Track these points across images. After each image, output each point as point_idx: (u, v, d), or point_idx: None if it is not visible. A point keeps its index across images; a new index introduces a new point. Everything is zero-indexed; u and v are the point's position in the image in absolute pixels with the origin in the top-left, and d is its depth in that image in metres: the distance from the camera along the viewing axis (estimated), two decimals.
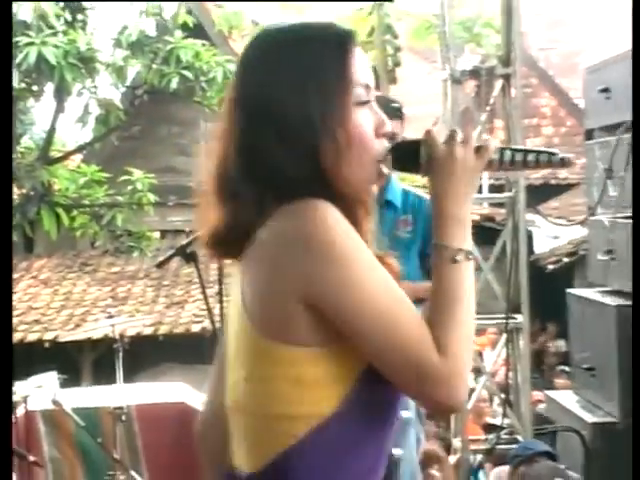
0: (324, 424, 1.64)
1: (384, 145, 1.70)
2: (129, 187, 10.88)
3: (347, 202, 1.65)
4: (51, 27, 9.25)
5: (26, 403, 5.43)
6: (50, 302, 14.56)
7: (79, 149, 12.06)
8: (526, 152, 1.73)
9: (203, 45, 10.09)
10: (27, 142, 12.50)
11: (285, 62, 1.67)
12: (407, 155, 1.70)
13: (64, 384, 5.94)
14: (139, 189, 10.85)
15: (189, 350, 13.04)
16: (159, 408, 5.66)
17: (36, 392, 5.35)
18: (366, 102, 1.68)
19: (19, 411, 5.49)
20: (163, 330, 12.89)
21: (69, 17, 9.67)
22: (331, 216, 1.60)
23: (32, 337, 13.45)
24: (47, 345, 13.16)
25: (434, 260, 1.68)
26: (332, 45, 1.68)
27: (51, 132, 11.06)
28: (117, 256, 14.64)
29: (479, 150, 1.69)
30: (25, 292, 15.00)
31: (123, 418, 5.28)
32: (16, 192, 11.07)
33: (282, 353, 1.63)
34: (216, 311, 4.42)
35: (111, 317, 5.84)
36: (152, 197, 11.01)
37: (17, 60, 9.15)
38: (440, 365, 1.59)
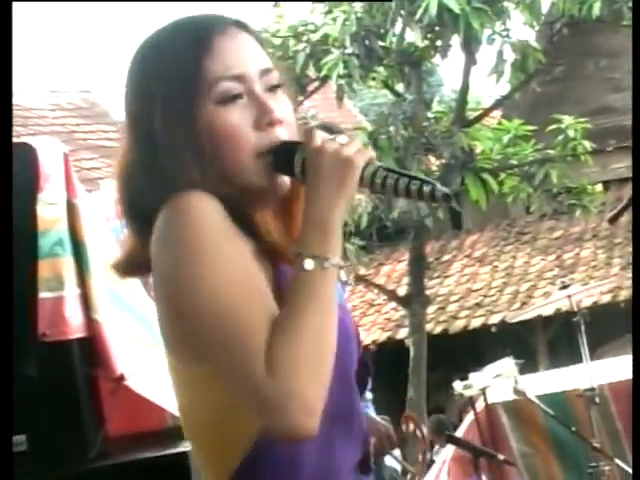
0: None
1: (272, 136, 1.71)
2: (560, 137, 10.80)
3: (231, 198, 1.68)
4: None
5: (485, 396, 5.56)
6: (490, 281, 14.87)
7: (497, 104, 12.19)
8: (399, 177, 1.69)
9: None
10: (437, 106, 12.79)
11: (142, 73, 1.76)
12: (284, 157, 1.72)
13: (521, 370, 6.02)
14: (572, 137, 10.74)
15: None
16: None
17: (494, 382, 5.45)
18: (236, 96, 1.71)
19: (478, 405, 5.64)
20: (623, 295, 12.75)
21: None
22: (190, 211, 1.64)
23: (476, 323, 13.82)
24: (494, 329, 13.44)
25: None
26: (185, 46, 1.73)
27: (464, 90, 11.21)
28: (557, 218, 14.64)
29: (358, 150, 1.68)
30: (461, 273, 15.42)
31: (597, 400, 5.26)
32: (435, 163, 11.37)
33: (178, 371, 1.73)
34: None
35: (565, 287, 5.83)
36: (588, 144, 10.85)
37: (417, 16, 9.42)
38: (267, 387, 1.57)
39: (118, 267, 1.83)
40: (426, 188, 1.69)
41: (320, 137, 1.69)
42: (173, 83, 1.71)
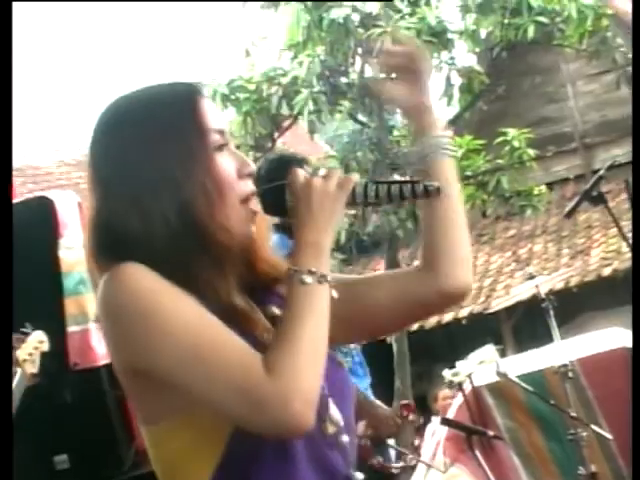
0: None
1: (248, 185, 1.70)
2: (507, 148, 10.81)
3: (216, 250, 1.60)
4: (398, 11, 9.41)
5: (471, 380, 5.54)
6: None
7: (450, 123, 12.16)
8: (390, 185, 1.66)
9: None
10: (397, 131, 12.75)
11: (138, 127, 1.65)
12: (273, 199, 1.69)
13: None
14: (517, 147, 10.75)
15: (604, 295, 12.78)
16: (602, 357, 5.59)
17: (479, 368, 5.44)
18: (223, 146, 1.69)
19: (466, 388, 5.60)
20: (574, 281, 12.72)
21: None
22: (130, 277, 1.55)
23: (448, 317, 13.75)
24: (464, 322, 13.39)
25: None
26: (181, 99, 1.67)
27: None
28: (510, 219, 14.62)
29: (340, 182, 1.68)
30: None
31: (570, 375, 5.23)
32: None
33: (146, 433, 1.66)
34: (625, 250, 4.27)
35: (532, 278, 5.81)
36: (532, 152, 10.87)
37: (374, 53, 9.40)
38: (268, 384, 1.51)
39: None
40: (418, 187, 1.67)
41: (302, 175, 1.67)
42: (183, 132, 1.65)
